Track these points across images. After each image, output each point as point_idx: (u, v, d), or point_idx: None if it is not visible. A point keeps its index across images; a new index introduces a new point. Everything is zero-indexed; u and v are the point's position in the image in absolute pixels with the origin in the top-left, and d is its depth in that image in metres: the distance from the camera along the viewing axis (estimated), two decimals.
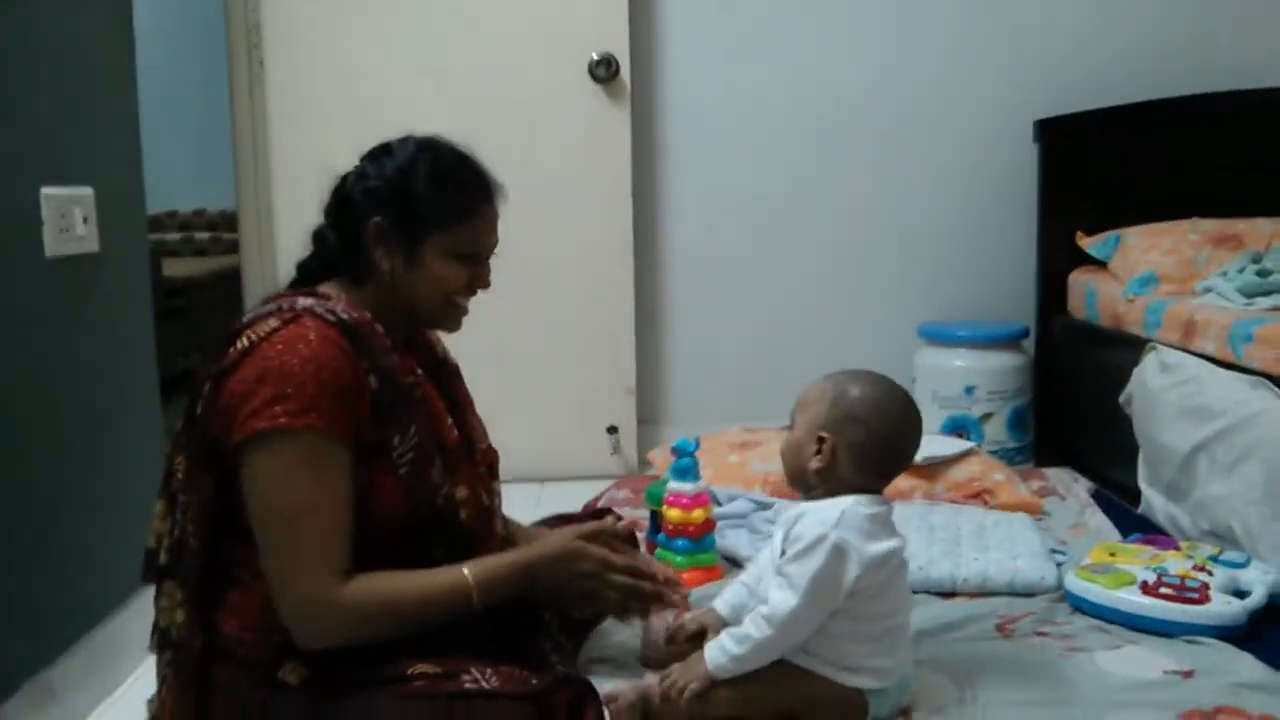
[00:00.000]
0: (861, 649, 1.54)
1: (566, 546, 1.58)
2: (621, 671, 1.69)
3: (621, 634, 1.80)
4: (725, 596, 1.71)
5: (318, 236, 1.62)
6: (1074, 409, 3.26)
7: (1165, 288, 2.97)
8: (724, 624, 1.62)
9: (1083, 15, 3.51)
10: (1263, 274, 2.75)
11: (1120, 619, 1.90)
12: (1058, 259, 3.44)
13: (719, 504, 2.47)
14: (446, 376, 1.72)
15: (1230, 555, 2.05)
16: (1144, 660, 1.76)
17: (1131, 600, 1.91)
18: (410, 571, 1.48)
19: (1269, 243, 3.00)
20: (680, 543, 2.19)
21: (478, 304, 1.65)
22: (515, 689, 1.40)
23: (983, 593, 2.07)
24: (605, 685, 1.57)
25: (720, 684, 1.53)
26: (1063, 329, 3.39)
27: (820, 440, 1.56)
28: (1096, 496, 2.76)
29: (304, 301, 1.50)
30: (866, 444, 1.56)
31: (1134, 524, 2.46)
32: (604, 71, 3.29)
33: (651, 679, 1.58)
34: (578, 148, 3.34)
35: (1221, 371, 2.37)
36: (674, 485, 2.21)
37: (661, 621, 1.71)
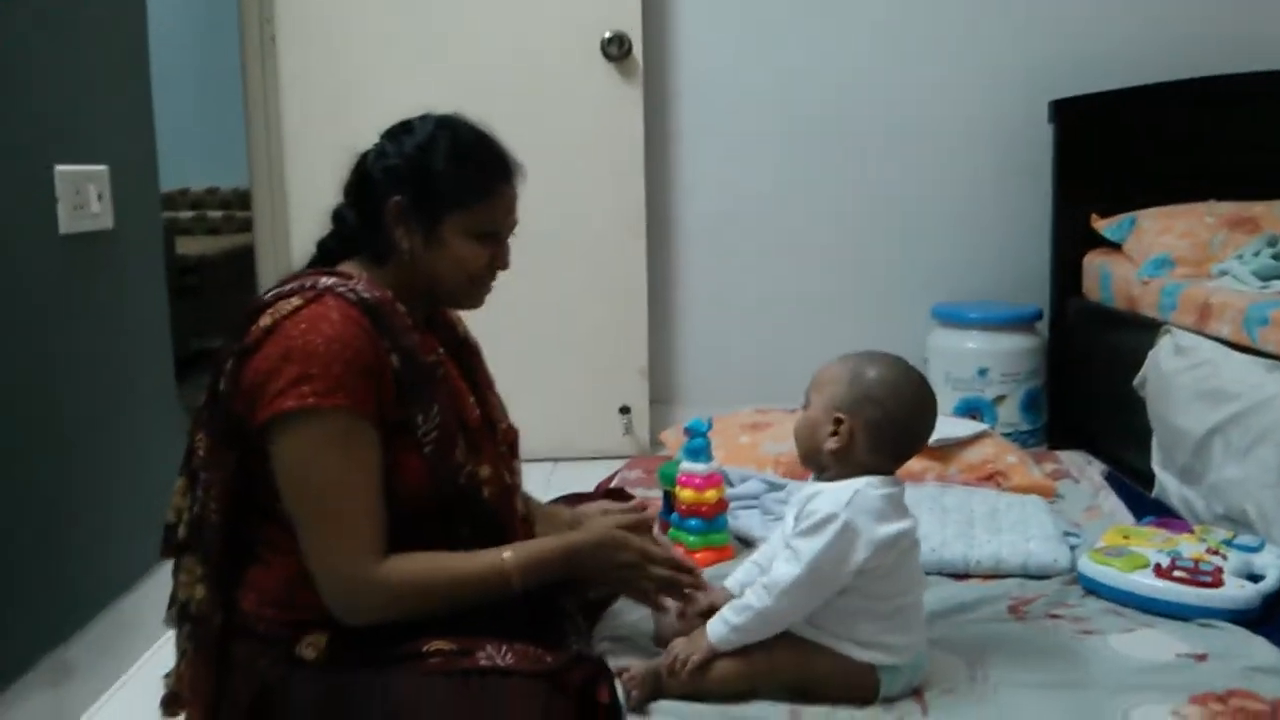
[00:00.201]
0: (873, 626, 1.54)
1: (608, 535, 1.59)
2: (635, 650, 1.70)
3: (634, 614, 1.80)
4: (736, 575, 1.72)
5: (337, 215, 1.62)
6: (1088, 391, 3.25)
7: (1180, 270, 2.96)
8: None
9: None
10: (1278, 257, 2.74)
11: (1133, 602, 1.90)
12: (1072, 241, 3.42)
13: (731, 485, 2.47)
14: (467, 355, 1.72)
15: (1244, 539, 2.05)
16: (1157, 643, 1.76)
17: (1145, 583, 1.90)
18: (449, 553, 1.49)
19: None
20: (693, 523, 2.20)
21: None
22: (530, 666, 1.41)
23: (995, 575, 2.07)
24: (618, 663, 1.58)
25: (723, 657, 1.54)
26: (1077, 311, 3.38)
27: (838, 421, 1.56)
28: (1110, 479, 2.76)
29: (326, 280, 1.50)
30: (883, 425, 1.56)
31: (1148, 507, 2.46)
32: (616, 50, 3.28)
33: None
34: (589, 127, 3.34)
35: (1236, 355, 2.36)
36: (687, 466, 2.21)
37: (674, 602, 1.72)
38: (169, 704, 1.55)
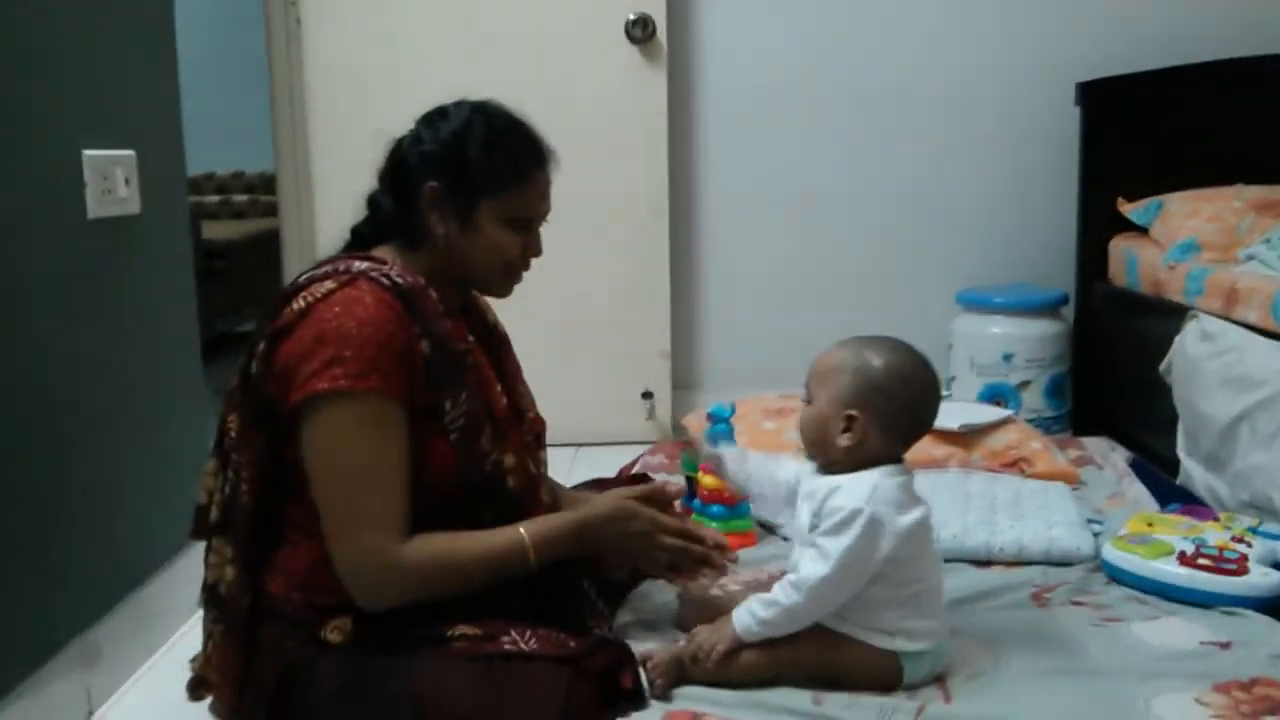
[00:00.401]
0: (894, 613, 1.54)
1: (619, 506, 1.61)
2: (657, 635, 1.71)
3: (657, 597, 1.81)
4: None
5: (372, 201, 1.63)
6: (1113, 377, 3.23)
7: (1207, 255, 2.93)
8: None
9: None
10: None
11: (1157, 589, 1.89)
12: (1098, 225, 3.39)
13: None
14: (496, 344, 1.73)
15: (1270, 527, 2.03)
16: (1181, 631, 1.76)
17: (1169, 571, 1.89)
18: (467, 532, 1.50)
19: None
20: (716, 509, 2.20)
21: None
22: (554, 651, 1.42)
23: (1018, 562, 2.06)
24: (641, 649, 1.58)
25: (747, 646, 1.54)
26: (1103, 296, 3.36)
27: (850, 419, 1.54)
28: (1134, 466, 2.74)
29: (359, 265, 1.51)
30: (895, 415, 1.55)
31: (1172, 494, 2.44)
32: (640, 32, 3.27)
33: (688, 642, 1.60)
34: (613, 109, 3.33)
35: (1263, 340, 2.35)
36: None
37: (699, 586, 1.72)
38: (196, 687, 1.57)
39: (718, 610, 1.63)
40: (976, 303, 3.42)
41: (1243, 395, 2.29)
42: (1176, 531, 2.01)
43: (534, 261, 1.65)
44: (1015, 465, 2.61)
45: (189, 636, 2.03)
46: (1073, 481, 2.53)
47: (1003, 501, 2.28)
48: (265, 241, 4.83)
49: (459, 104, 1.60)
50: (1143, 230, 3.25)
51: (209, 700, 1.56)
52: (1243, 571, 1.87)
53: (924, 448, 2.60)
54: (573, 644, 1.43)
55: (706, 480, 2.20)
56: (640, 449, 3.06)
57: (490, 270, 1.60)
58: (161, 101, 2.23)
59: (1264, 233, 2.88)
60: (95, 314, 1.92)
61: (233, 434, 1.51)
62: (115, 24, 2.03)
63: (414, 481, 1.47)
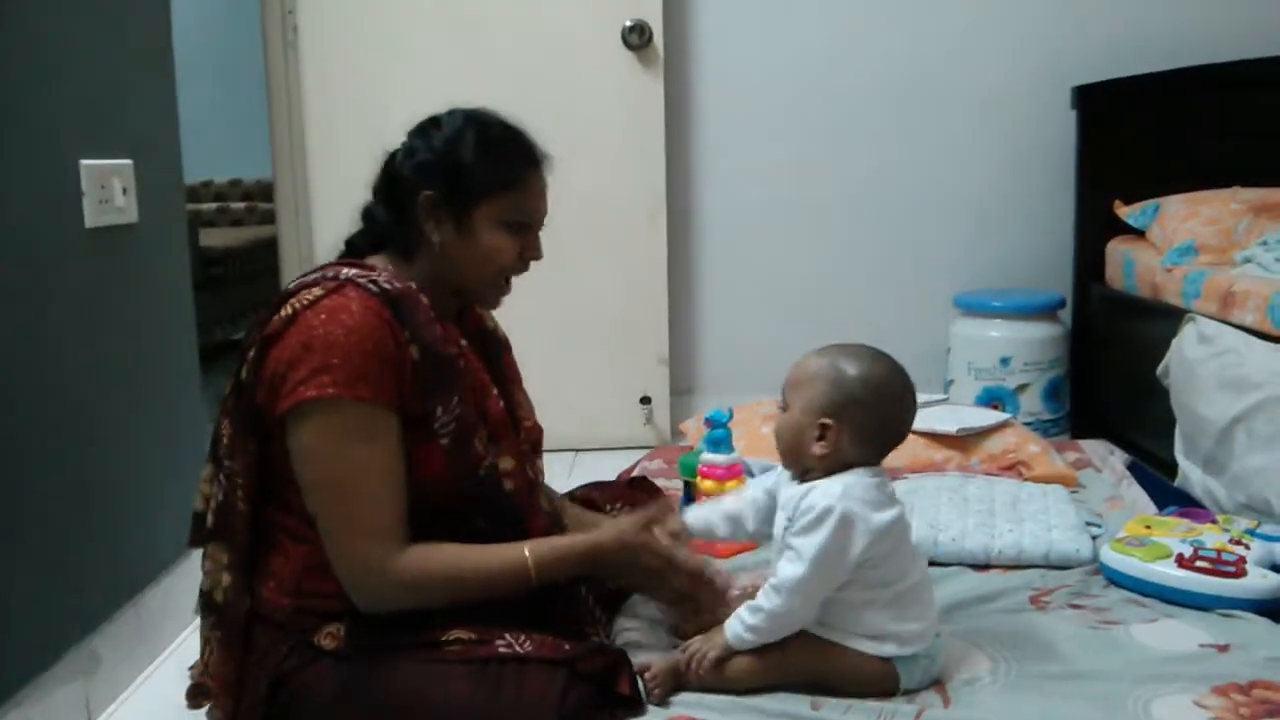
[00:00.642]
0: (879, 616, 1.54)
1: (634, 539, 1.57)
2: (652, 642, 1.70)
3: (653, 605, 1.81)
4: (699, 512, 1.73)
5: (367, 213, 1.63)
6: (1111, 380, 3.24)
7: (1204, 258, 2.94)
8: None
9: None
10: None
11: (1155, 592, 1.89)
12: (1095, 228, 3.40)
13: (752, 475, 2.47)
14: (495, 349, 1.73)
15: (1268, 529, 2.03)
16: (1179, 634, 1.75)
17: (1167, 573, 1.89)
18: (470, 545, 1.50)
19: None
20: None
21: None
22: (549, 653, 1.42)
23: (1017, 565, 2.06)
24: (637, 655, 1.58)
25: (739, 655, 1.54)
26: (1100, 299, 3.36)
27: (824, 427, 1.55)
28: (1133, 469, 2.74)
29: (348, 271, 1.51)
30: (869, 425, 1.55)
31: (1170, 497, 2.44)
32: (637, 39, 3.28)
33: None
34: (610, 116, 3.34)
35: (1261, 343, 2.35)
36: (708, 456, 2.22)
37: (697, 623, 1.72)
38: (194, 695, 1.56)
39: (714, 618, 1.63)
40: (974, 306, 3.42)
41: (1240, 398, 2.29)
42: (1175, 534, 2.01)
43: (532, 266, 1.65)
44: (1014, 468, 2.61)
45: (188, 644, 2.03)
46: (1071, 484, 2.53)
47: (1001, 505, 2.28)
48: (263, 249, 4.83)
49: (451, 112, 1.60)
50: (1140, 233, 3.26)
51: (207, 708, 1.56)
52: (1241, 574, 1.87)
53: (923, 451, 2.62)
54: (568, 647, 1.43)
55: (705, 485, 2.20)
56: (639, 454, 3.05)
57: (485, 277, 1.60)
58: (159, 110, 2.23)
59: (1261, 235, 2.89)
60: (93, 323, 1.92)
61: (226, 441, 1.51)
62: (113, 33, 2.03)
63: (408, 488, 1.47)
